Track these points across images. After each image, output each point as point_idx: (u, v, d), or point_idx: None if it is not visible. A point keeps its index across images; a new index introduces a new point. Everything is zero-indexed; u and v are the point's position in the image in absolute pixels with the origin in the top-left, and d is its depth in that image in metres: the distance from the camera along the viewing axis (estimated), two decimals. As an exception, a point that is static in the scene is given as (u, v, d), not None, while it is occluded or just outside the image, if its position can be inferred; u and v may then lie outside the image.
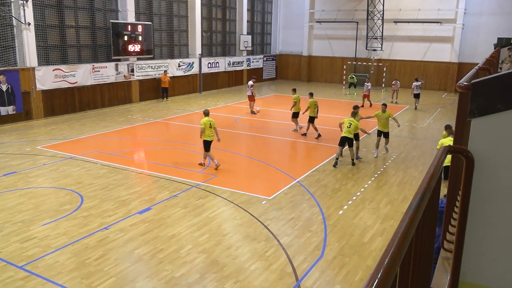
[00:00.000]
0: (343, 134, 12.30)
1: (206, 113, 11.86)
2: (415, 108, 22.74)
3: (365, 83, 23.54)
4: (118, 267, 6.81)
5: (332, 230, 8.27)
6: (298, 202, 9.68)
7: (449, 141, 10.69)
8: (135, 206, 9.25)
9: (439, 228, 3.30)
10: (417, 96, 22.59)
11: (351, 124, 12.32)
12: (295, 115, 16.42)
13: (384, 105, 13.63)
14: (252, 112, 20.09)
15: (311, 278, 6.62)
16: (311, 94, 16.20)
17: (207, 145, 11.71)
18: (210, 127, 11.61)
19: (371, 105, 22.83)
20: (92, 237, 7.77)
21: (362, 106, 22.28)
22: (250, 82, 20.41)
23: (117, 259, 7.07)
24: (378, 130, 13.71)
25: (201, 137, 11.69)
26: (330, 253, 7.39)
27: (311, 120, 15.75)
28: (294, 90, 17.08)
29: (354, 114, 12.79)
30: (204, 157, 12.01)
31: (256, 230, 8.21)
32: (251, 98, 20.17)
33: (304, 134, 16.06)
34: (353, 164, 12.52)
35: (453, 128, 11.47)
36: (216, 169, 11.71)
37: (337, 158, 12.41)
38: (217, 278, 6.55)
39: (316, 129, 15.76)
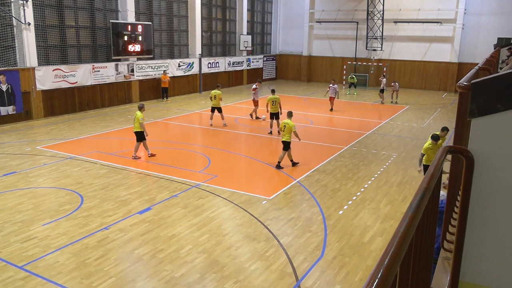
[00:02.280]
0: (282, 138, 11.99)
1: (138, 107, 12.67)
2: (382, 103, 24.07)
3: (331, 85, 21.16)
4: (118, 267, 6.81)
5: (332, 230, 8.27)
6: (298, 202, 9.68)
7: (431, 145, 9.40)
8: (135, 206, 9.25)
9: (439, 228, 3.30)
10: (382, 91, 24.22)
11: (285, 126, 11.88)
12: (219, 110, 17.13)
13: (445, 129, 10.40)
14: (257, 118, 18.88)
15: (311, 278, 6.62)
16: (273, 91, 16.58)
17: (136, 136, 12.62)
18: (134, 121, 12.49)
19: (331, 109, 21.29)
20: (92, 237, 7.77)
21: (331, 109, 21.21)
22: (253, 85, 19.28)
23: (117, 259, 7.07)
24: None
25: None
26: (330, 253, 7.39)
27: (276, 116, 15.97)
28: (218, 86, 17.79)
29: (289, 115, 12.15)
30: (136, 149, 12.67)
31: (256, 230, 8.21)
32: (254, 103, 19.00)
33: (270, 133, 16.12)
34: (278, 167, 11.93)
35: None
36: (132, 158, 12.53)
37: (290, 159, 12.11)
38: (217, 278, 6.55)
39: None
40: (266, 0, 35.07)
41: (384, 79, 24.31)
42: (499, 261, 2.17)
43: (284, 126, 11.90)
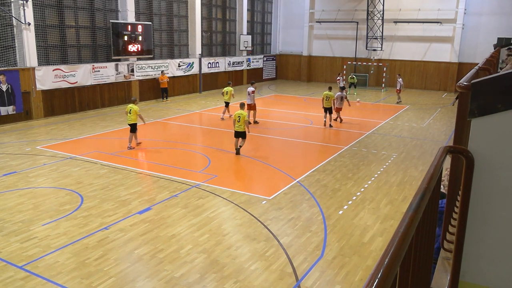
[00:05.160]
0: (235, 129, 12.92)
1: (132, 101, 14.09)
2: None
3: (339, 92, 18.40)
4: (118, 267, 6.81)
5: (332, 230, 8.27)
6: (298, 202, 9.67)
7: None
8: (135, 206, 9.25)
9: (439, 228, 3.30)
10: (343, 89, 26.09)
11: (240, 117, 12.78)
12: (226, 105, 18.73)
13: None
14: (256, 122, 17.70)
15: (311, 278, 6.62)
16: (329, 88, 17.96)
17: (130, 127, 13.70)
18: (130, 113, 13.54)
19: (341, 120, 18.69)
20: (92, 237, 7.77)
21: (338, 119, 18.65)
22: (251, 88, 17.63)
23: (117, 259, 7.07)
24: None
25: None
26: (330, 253, 7.39)
27: (330, 111, 17.55)
28: (229, 84, 19.18)
29: (242, 106, 13.26)
30: (130, 140, 13.74)
31: (256, 230, 8.21)
32: (252, 107, 17.64)
33: (330, 126, 17.57)
34: (237, 153, 13.07)
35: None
36: (131, 148, 13.58)
37: (236, 148, 13.16)
38: (217, 278, 6.55)
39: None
40: (266, 0, 35.07)
41: (340, 77, 26.71)
42: (499, 261, 2.17)
43: (239, 117, 12.79)
